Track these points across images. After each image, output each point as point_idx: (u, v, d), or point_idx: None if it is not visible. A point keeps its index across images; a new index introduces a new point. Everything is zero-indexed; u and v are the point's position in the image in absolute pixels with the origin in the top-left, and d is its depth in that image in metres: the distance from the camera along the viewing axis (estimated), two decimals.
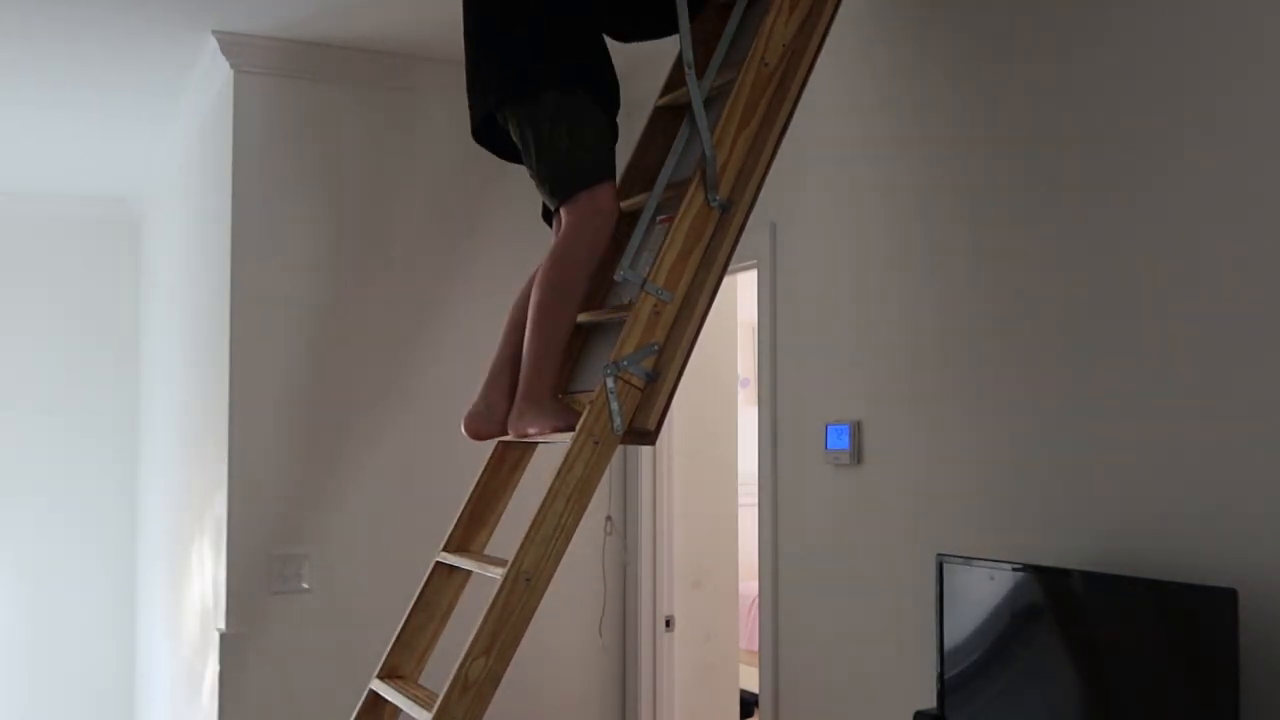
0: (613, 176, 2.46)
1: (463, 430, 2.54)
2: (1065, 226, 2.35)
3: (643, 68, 3.06)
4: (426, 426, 3.75)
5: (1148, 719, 1.96)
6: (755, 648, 3.45)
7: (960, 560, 2.36)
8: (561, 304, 2.40)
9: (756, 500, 3.30)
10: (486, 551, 2.53)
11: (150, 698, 5.18)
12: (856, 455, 2.91)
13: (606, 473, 2.28)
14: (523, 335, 2.46)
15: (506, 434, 2.49)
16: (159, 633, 4.95)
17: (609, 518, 3.92)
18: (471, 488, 2.54)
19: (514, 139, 2.51)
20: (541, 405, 2.39)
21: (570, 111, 2.41)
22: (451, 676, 2.10)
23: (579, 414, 2.25)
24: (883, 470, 2.83)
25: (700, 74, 2.35)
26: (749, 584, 5.21)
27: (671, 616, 3.99)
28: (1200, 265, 2.08)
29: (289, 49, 3.59)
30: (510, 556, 2.15)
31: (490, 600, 2.12)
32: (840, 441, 2.94)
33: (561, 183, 2.42)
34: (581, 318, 2.52)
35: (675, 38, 2.43)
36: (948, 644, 2.35)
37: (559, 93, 2.41)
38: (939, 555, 2.41)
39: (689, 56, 2.32)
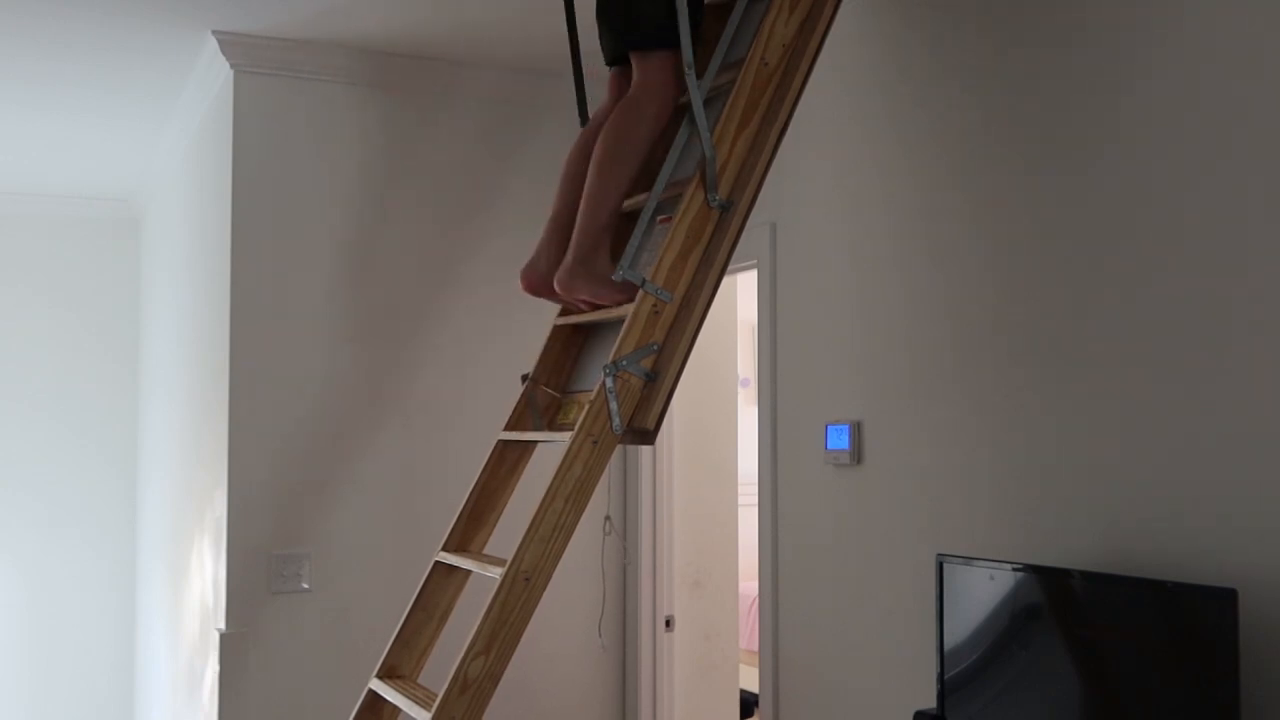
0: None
1: (520, 283, 2.53)
2: (1066, 226, 2.35)
3: None
4: (426, 426, 3.75)
5: (1148, 719, 1.96)
6: (755, 648, 3.45)
7: (960, 560, 2.36)
8: (620, 160, 2.38)
9: (756, 500, 3.30)
10: (486, 551, 2.53)
11: (150, 698, 5.18)
12: (856, 455, 2.91)
13: (606, 473, 2.28)
14: (573, 190, 2.44)
15: (554, 291, 2.46)
16: (159, 633, 4.95)
17: (608, 518, 3.92)
18: (471, 487, 2.54)
19: None
20: (594, 271, 2.37)
21: None
22: (451, 676, 2.10)
23: (637, 288, 2.25)
24: (883, 470, 2.83)
25: (700, 74, 2.35)
26: (749, 584, 5.22)
27: (671, 616, 3.99)
28: (1203, 267, 2.08)
29: (289, 49, 3.58)
30: (509, 556, 2.15)
31: (489, 600, 2.12)
32: (840, 441, 2.94)
33: (647, 31, 2.41)
34: (582, 318, 2.52)
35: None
36: (948, 644, 2.35)
37: None
38: (939, 555, 2.40)
39: (689, 57, 2.31)
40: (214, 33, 3.47)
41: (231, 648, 3.47)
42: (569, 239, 2.46)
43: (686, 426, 4.12)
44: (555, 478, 2.17)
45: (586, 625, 3.93)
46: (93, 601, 5.74)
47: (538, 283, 2.52)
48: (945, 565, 2.38)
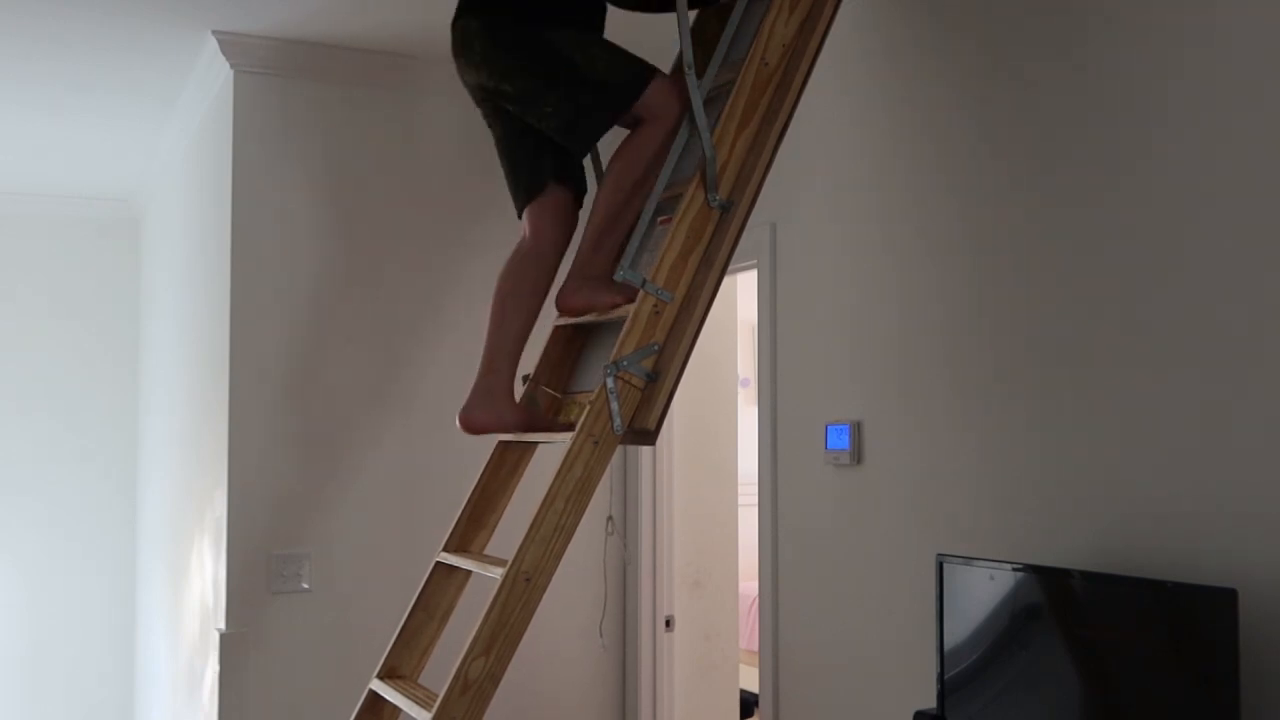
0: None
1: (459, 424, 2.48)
2: (1064, 227, 2.35)
3: None
4: (427, 426, 3.75)
5: (1148, 719, 1.96)
6: (755, 648, 3.45)
7: (960, 560, 2.36)
8: (636, 191, 2.43)
9: (756, 500, 3.30)
10: (486, 551, 2.53)
11: (150, 698, 5.18)
12: (856, 455, 2.91)
13: (606, 473, 2.28)
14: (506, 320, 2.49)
15: (496, 425, 2.45)
16: (159, 633, 4.95)
17: (609, 518, 3.92)
18: (471, 488, 2.54)
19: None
20: (597, 280, 2.42)
21: (584, 41, 2.42)
22: (451, 676, 2.10)
23: (637, 289, 2.27)
24: (883, 470, 2.83)
25: (700, 74, 2.35)
26: (749, 584, 5.22)
27: (671, 616, 3.99)
28: (1201, 266, 2.08)
29: (289, 49, 3.58)
30: (510, 557, 2.15)
31: (490, 600, 2.12)
32: (840, 441, 2.94)
33: (617, 96, 2.41)
34: (582, 319, 2.52)
35: (674, 39, 2.43)
36: (948, 644, 2.35)
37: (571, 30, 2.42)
38: (939, 555, 2.41)
39: (689, 57, 2.32)
40: (214, 33, 3.47)
41: (231, 648, 3.47)
42: (502, 368, 2.46)
43: (686, 426, 4.12)
44: (556, 478, 2.17)
45: (587, 625, 3.93)
46: (93, 601, 5.74)
47: (476, 424, 2.44)
48: (945, 565, 2.38)
